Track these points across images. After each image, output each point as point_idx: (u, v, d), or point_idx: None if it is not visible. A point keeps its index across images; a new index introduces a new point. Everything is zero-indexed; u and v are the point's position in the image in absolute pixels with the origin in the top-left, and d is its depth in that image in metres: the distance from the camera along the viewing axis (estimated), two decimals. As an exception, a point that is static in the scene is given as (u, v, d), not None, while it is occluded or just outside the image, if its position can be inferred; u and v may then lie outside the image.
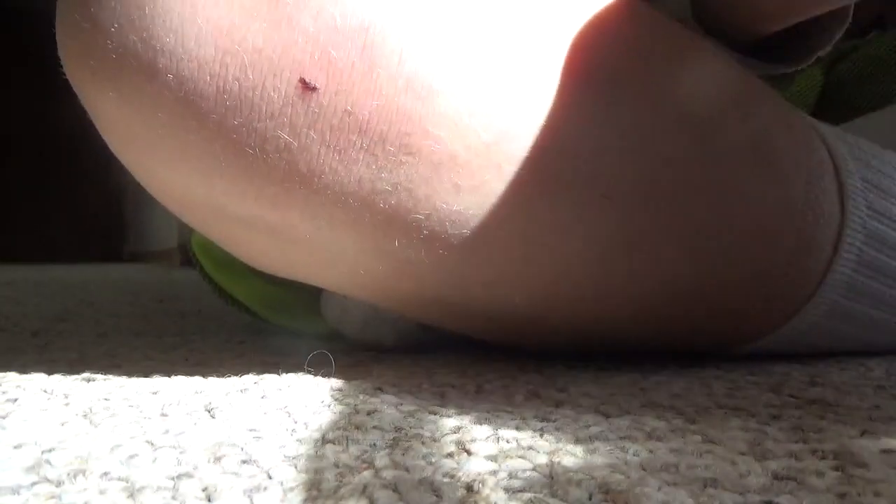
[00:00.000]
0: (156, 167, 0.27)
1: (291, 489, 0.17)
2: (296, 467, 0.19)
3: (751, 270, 0.31)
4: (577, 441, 0.21)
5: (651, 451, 0.20)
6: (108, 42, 0.24)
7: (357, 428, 0.23)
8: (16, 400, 0.26)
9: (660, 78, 0.28)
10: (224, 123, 0.24)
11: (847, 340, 0.36)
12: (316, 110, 0.24)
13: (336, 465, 0.19)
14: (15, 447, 0.21)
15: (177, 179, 0.26)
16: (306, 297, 0.42)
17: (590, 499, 0.17)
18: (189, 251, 0.47)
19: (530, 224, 0.27)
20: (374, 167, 0.25)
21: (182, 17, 0.23)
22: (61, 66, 0.26)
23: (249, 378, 0.30)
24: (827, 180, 0.33)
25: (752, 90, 0.32)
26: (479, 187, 0.26)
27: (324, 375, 0.31)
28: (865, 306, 0.35)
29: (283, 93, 0.24)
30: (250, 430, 0.22)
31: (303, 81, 0.24)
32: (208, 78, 0.24)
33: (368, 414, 0.24)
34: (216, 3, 0.23)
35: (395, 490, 0.17)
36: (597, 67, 0.27)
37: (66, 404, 0.26)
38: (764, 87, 0.33)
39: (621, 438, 0.22)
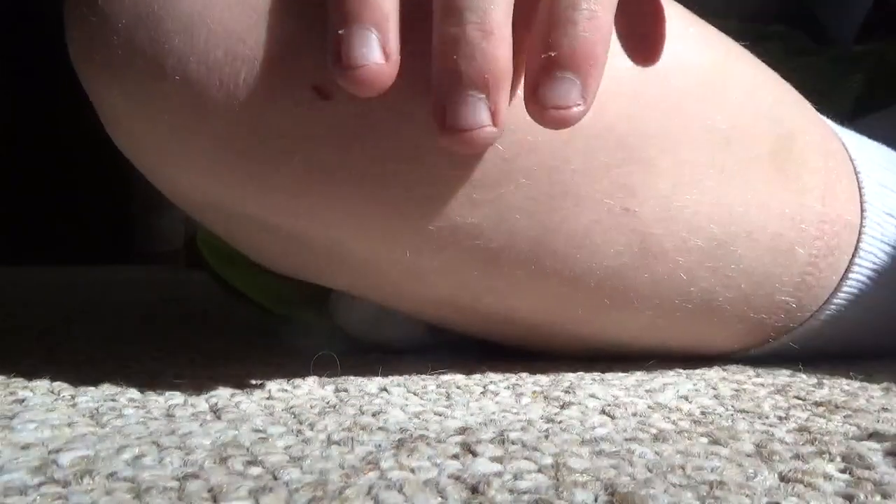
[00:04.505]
0: (160, 165, 0.26)
1: (297, 490, 0.17)
2: (301, 468, 0.19)
3: (767, 278, 0.31)
4: (583, 442, 0.21)
5: (657, 453, 0.20)
6: (115, 38, 0.23)
7: (362, 429, 0.23)
8: (23, 401, 0.26)
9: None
10: (232, 129, 0.23)
11: (857, 346, 0.36)
12: (329, 118, 0.23)
13: (341, 466, 0.19)
14: (22, 448, 0.21)
15: (181, 179, 0.26)
16: (312, 290, 0.42)
17: (595, 500, 0.17)
18: (194, 248, 0.47)
19: (546, 235, 0.27)
20: (385, 178, 0.25)
21: (192, 18, 0.23)
22: (70, 66, 0.25)
23: (255, 379, 0.30)
24: (845, 185, 0.32)
25: (782, 95, 0.32)
26: (495, 201, 0.26)
27: (329, 376, 0.31)
28: (878, 313, 0.34)
29: (296, 101, 0.23)
30: (256, 431, 0.22)
31: (316, 89, 0.23)
32: (217, 83, 0.23)
33: (374, 415, 0.24)
34: (228, 5, 0.23)
35: (401, 491, 0.17)
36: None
37: (73, 405, 0.26)
38: (790, 90, 0.32)
39: (627, 440, 0.22)
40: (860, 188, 0.33)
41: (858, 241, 0.32)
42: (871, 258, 0.33)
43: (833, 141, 0.33)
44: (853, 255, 0.32)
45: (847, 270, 0.32)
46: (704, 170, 0.28)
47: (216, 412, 0.25)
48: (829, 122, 0.34)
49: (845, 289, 0.33)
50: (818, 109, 0.34)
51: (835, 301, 0.33)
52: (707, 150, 0.28)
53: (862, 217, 0.32)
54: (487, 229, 0.26)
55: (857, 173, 0.33)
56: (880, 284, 0.33)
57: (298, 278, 0.32)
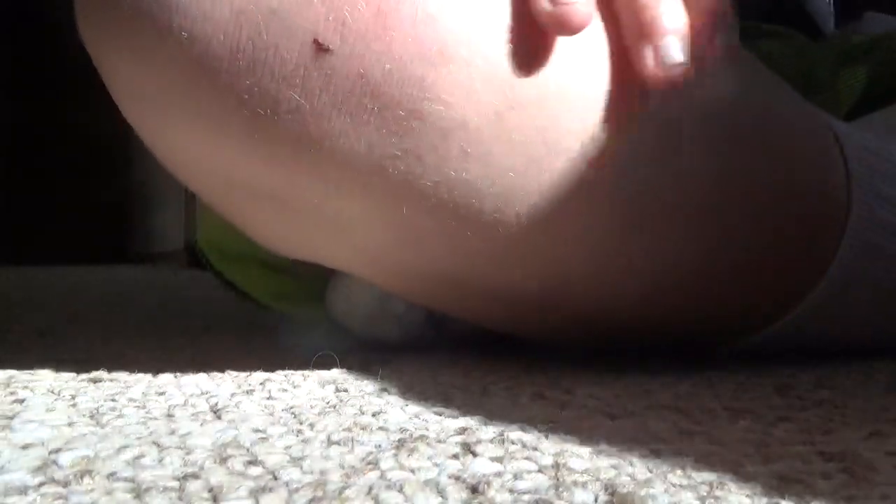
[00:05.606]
0: (165, 128, 0.27)
1: (297, 490, 0.17)
2: (301, 468, 0.19)
3: (755, 254, 0.31)
4: (583, 442, 0.21)
5: (657, 453, 0.20)
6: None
7: (362, 429, 0.23)
8: (23, 400, 0.26)
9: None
10: (236, 83, 0.24)
11: (848, 331, 0.36)
12: (329, 72, 0.24)
13: (341, 466, 0.19)
14: (22, 448, 0.21)
15: (186, 141, 0.27)
16: (312, 287, 0.42)
17: (595, 501, 0.17)
18: (196, 250, 0.47)
19: (540, 199, 0.27)
20: (383, 131, 0.25)
21: None
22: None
23: (255, 379, 0.30)
24: (833, 165, 0.33)
25: (757, 74, 0.32)
26: (488, 157, 0.26)
27: (329, 376, 0.31)
28: (868, 295, 0.34)
29: (297, 54, 0.24)
30: (256, 431, 0.22)
31: (317, 43, 0.24)
32: (222, 38, 0.24)
33: (374, 415, 0.24)
34: None
35: (401, 491, 0.17)
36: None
37: (73, 405, 0.26)
38: (770, 72, 0.33)
39: (627, 440, 0.22)
40: (847, 169, 0.33)
41: (847, 219, 0.32)
42: (859, 238, 0.33)
43: (818, 122, 0.33)
44: (842, 234, 0.32)
45: (837, 248, 0.33)
46: (690, 138, 0.29)
47: (216, 412, 0.25)
48: (813, 105, 0.35)
49: (836, 269, 0.33)
50: (821, 103, 0.34)
51: (826, 280, 0.33)
52: (691, 120, 0.29)
53: (849, 196, 0.33)
54: (482, 188, 0.27)
55: (844, 155, 0.33)
56: (870, 262, 0.33)
57: (296, 256, 0.32)
